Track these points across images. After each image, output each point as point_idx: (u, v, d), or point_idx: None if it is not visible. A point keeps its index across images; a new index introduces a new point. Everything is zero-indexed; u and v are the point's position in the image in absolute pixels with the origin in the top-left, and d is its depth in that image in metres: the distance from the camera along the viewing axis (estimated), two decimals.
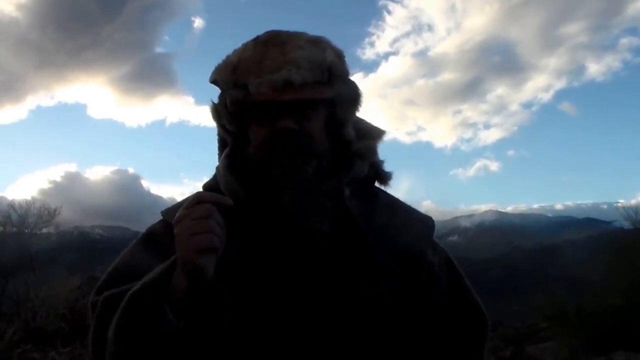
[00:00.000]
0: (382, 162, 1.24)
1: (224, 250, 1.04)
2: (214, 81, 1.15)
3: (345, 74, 1.15)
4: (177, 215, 0.96)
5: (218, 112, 1.15)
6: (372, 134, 1.22)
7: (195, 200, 0.95)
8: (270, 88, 1.04)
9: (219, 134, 1.21)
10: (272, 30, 1.15)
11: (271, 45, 1.10)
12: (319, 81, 1.09)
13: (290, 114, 1.07)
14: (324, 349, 1.03)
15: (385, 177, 1.25)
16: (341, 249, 1.10)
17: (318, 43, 1.12)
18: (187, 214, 0.94)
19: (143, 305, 0.95)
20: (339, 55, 1.14)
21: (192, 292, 0.94)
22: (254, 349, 1.01)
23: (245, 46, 1.13)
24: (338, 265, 1.08)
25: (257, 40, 1.13)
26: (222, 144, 1.21)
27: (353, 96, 1.16)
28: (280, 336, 1.02)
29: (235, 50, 1.14)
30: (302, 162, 1.08)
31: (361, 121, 1.22)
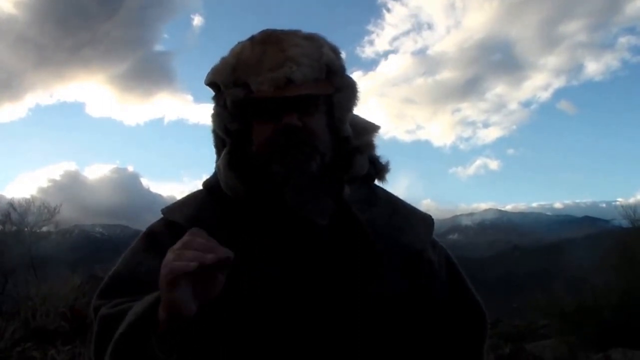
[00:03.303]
0: (379, 157, 1.25)
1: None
2: (210, 83, 1.15)
3: (342, 70, 1.16)
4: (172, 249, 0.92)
5: (219, 113, 1.15)
6: (368, 129, 1.23)
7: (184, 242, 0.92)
8: (272, 85, 1.05)
9: (215, 136, 1.21)
10: (267, 29, 1.15)
11: (269, 44, 1.10)
12: (318, 78, 1.09)
13: (293, 111, 1.07)
14: (328, 344, 1.03)
15: (383, 172, 1.25)
16: (342, 245, 1.10)
17: (314, 40, 1.13)
18: (177, 246, 0.91)
19: (130, 346, 0.95)
20: (335, 52, 1.15)
21: (171, 325, 0.91)
22: (258, 345, 1.02)
23: (242, 46, 1.13)
24: (340, 262, 1.08)
25: (253, 40, 1.13)
26: (220, 145, 1.20)
27: (351, 92, 1.17)
28: (283, 332, 1.02)
29: (231, 51, 1.15)
30: (306, 158, 1.08)
31: (356, 117, 1.23)
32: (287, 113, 1.07)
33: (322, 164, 1.10)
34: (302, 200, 1.08)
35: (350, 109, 1.18)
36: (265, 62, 1.07)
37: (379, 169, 1.25)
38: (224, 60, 1.14)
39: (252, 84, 1.07)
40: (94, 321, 1.06)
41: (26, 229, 11.34)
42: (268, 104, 1.08)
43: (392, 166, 1.27)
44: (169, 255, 0.90)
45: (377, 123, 1.25)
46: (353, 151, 1.17)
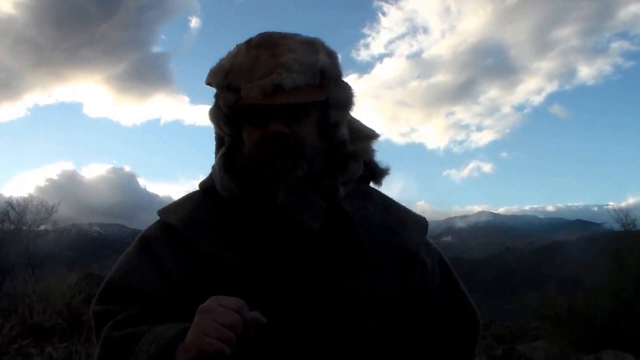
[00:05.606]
0: (377, 162, 1.26)
1: (218, 248, 1.08)
2: (209, 83, 1.16)
3: (338, 76, 1.15)
4: (209, 303, 0.91)
5: (214, 113, 1.17)
6: (366, 135, 1.24)
7: (234, 305, 0.90)
8: (261, 92, 1.06)
9: (216, 133, 1.23)
10: (264, 33, 1.15)
11: (263, 49, 1.10)
12: (311, 84, 1.10)
13: (281, 118, 1.08)
14: (324, 342, 1.05)
15: (379, 177, 1.27)
16: (335, 246, 1.11)
17: (311, 45, 1.13)
18: (216, 310, 0.89)
19: None
20: (332, 57, 1.15)
21: None
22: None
23: (238, 49, 1.14)
24: (334, 262, 1.09)
25: (249, 43, 1.13)
26: (219, 143, 1.23)
27: (346, 98, 1.16)
28: (282, 331, 1.02)
29: (228, 54, 1.15)
30: (293, 164, 1.09)
31: (356, 122, 1.24)
32: (275, 120, 1.08)
33: (310, 170, 1.11)
34: (295, 202, 1.09)
35: (345, 115, 1.18)
36: (257, 68, 1.08)
37: (377, 173, 1.27)
38: (220, 63, 1.15)
39: (242, 90, 1.08)
40: (95, 324, 1.09)
41: (24, 228, 11.32)
42: (257, 110, 1.09)
43: (389, 170, 1.29)
44: (211, 314, 0.89)
45: (376, 130, 1.26)
46: (347, 157, 1.19)
